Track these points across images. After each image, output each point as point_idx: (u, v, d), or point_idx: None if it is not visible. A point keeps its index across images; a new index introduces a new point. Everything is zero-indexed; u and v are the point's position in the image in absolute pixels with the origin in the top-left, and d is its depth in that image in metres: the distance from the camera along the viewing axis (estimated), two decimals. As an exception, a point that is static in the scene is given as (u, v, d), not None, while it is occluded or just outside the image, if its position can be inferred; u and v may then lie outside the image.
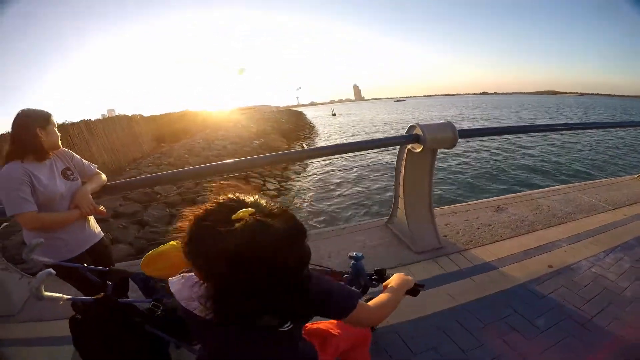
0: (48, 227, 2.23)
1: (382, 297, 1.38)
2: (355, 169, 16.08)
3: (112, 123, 16.97)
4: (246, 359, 1.14)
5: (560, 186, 5.88)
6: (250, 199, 1.01)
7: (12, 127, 2.23)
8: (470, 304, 2.82)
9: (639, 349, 2.38)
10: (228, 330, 1.07)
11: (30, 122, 2.23)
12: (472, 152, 19.03)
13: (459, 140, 3.42)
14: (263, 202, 1.01)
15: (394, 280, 1.50)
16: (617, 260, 3.43)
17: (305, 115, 78.72)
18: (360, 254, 1.87)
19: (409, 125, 3.50)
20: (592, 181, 6.36)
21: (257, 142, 23.85)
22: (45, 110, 2.32)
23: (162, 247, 2.05)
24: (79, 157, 2.58)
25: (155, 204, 10.26)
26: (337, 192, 13.19)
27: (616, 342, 2.44)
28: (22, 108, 2.28)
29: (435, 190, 12.79)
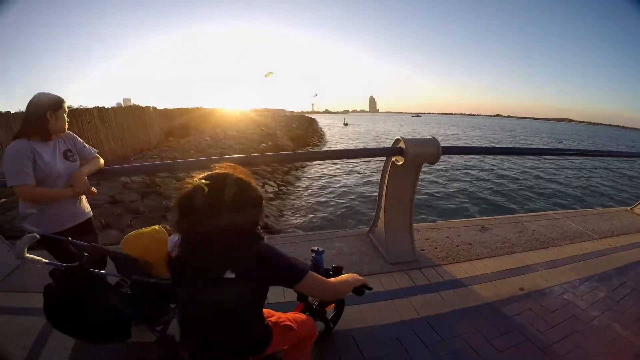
0: (41, 200, 2.38)
1: (331, 279, 1.58)
2: (354, 178, 16.06)
3: (124, 112, 17.07)
4: (210, 305, 1.35)
5: (550, 212, 5.81)
6: (224, 171, 1.34)
7: (26, 108, 2.42)
8: (432, 318, 2.77)
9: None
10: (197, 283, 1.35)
11: (43, 105, 2.42)
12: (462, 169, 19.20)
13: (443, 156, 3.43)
14: (236, 176, 1.33)
15: (345, 275, 1.69)
16: (592, 289, 3.36)
17: (317, 122, 77.94)
18: (321, 249, 2.00)
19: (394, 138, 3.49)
20: (583, 209, 6.27)
21: (264, 144, 23.90)
22: (59, 96, 2.49)
23: (142, 229, 2.27)
24: (80, 140, 2.74)
25: (153, 195, 10.23)
26: (334, 199, 13.27)
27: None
28: (39, 92, 2.45)
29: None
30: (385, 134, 57.51)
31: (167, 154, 16.37)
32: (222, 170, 1.34)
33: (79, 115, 13.66)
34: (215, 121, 31.88)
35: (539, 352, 2.50)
